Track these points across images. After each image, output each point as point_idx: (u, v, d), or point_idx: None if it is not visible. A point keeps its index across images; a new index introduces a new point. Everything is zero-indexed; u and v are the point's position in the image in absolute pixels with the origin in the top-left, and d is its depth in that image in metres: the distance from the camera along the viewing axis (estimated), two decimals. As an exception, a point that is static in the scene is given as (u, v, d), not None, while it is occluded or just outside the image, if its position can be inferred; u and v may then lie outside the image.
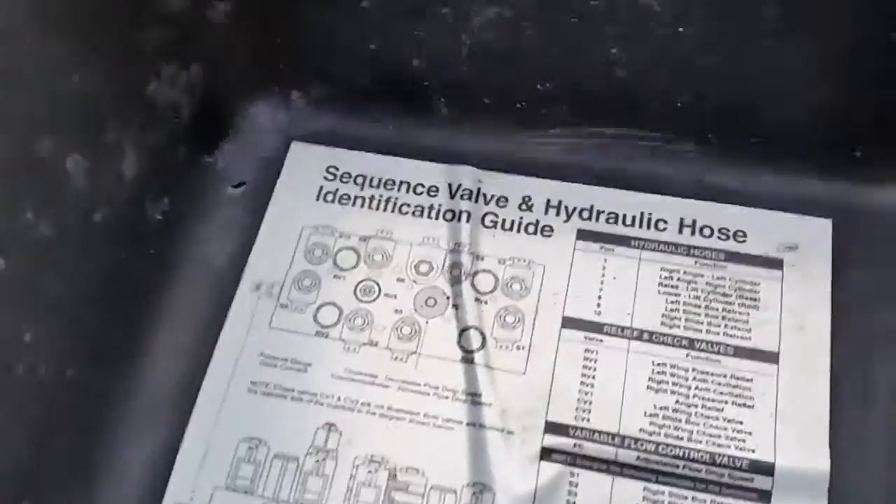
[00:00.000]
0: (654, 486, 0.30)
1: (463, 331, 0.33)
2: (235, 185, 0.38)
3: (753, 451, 0.30)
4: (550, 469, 0.30)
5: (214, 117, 0.38)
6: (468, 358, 0.32)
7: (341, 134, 0.38)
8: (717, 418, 0.31)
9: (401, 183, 0.37)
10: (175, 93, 0.36)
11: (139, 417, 0.33)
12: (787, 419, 0.30)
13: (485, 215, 0.36)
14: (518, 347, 0.33)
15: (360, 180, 0.37)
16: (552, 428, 0.31)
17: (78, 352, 0.31)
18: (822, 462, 0.29)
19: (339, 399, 0.32)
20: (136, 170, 0.34)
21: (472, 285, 0.34)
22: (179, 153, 0.37)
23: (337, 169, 0.38)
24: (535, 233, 0.35)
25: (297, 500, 0.31)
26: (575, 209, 0.35)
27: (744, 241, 0.34)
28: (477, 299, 0.34)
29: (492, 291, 0.34)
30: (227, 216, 0.37)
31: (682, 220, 0.35)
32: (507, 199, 0.36)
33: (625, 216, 0.35)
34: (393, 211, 0.36)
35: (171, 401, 0.33)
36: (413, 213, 0.36)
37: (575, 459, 0.30)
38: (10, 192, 0.28)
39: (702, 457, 0.30)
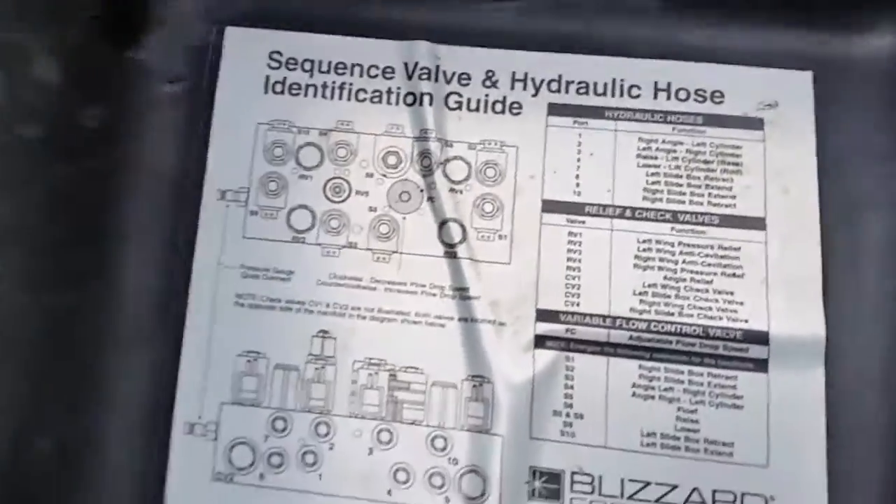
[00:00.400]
0: (649, 364, 0.30)
1: (442, 224, 0.32)
2: (171, 80, 0.34)
3: (746, 321, 0.30)
4: (545, 356, 0.30)
5: (131, 6, 0.34)
6: (451, 252, 0.31)
7: (277, 14, 0.34)
8: (706, 291, 0.30)
9: (353, 66, 0.34)
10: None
11: (128, 337, 0.32)
12: (779, 286, 0.30)
13: (448, 95, 0.33)
14: (500, 237, 0.32)
15: (307, 66, 0.34)
16: (543, 315, 0.31)
17: (47, 276, 0.30)
18: (817, 326, 0.30)
19: (327, 305, 0.31)
20: (54, 75, 0.30)
21: (445, 174, 0.32)
22: (99, 52, 0.33)
23: (281, 54, 0.34)
24: (503, 111, 0.33)
25: (304, 408, 0.31)
26: (543, 81, 0.33)
27: (721, 102, 0.32)
28: (452, 189, 0.32)
29: (466, 179, 0.32)
30: (169, 116, 0.33)
31: (656, 83, 0.33)
32: (469, 76, 0.34)
33: (595, 84, 0.33)
34: (350, 98, 0.33)
35: (156, 316, 0.32)
36: (371, 98, 0.33)
37: (569, 344, 0.30)
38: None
39: (694, 331, 0.30)
